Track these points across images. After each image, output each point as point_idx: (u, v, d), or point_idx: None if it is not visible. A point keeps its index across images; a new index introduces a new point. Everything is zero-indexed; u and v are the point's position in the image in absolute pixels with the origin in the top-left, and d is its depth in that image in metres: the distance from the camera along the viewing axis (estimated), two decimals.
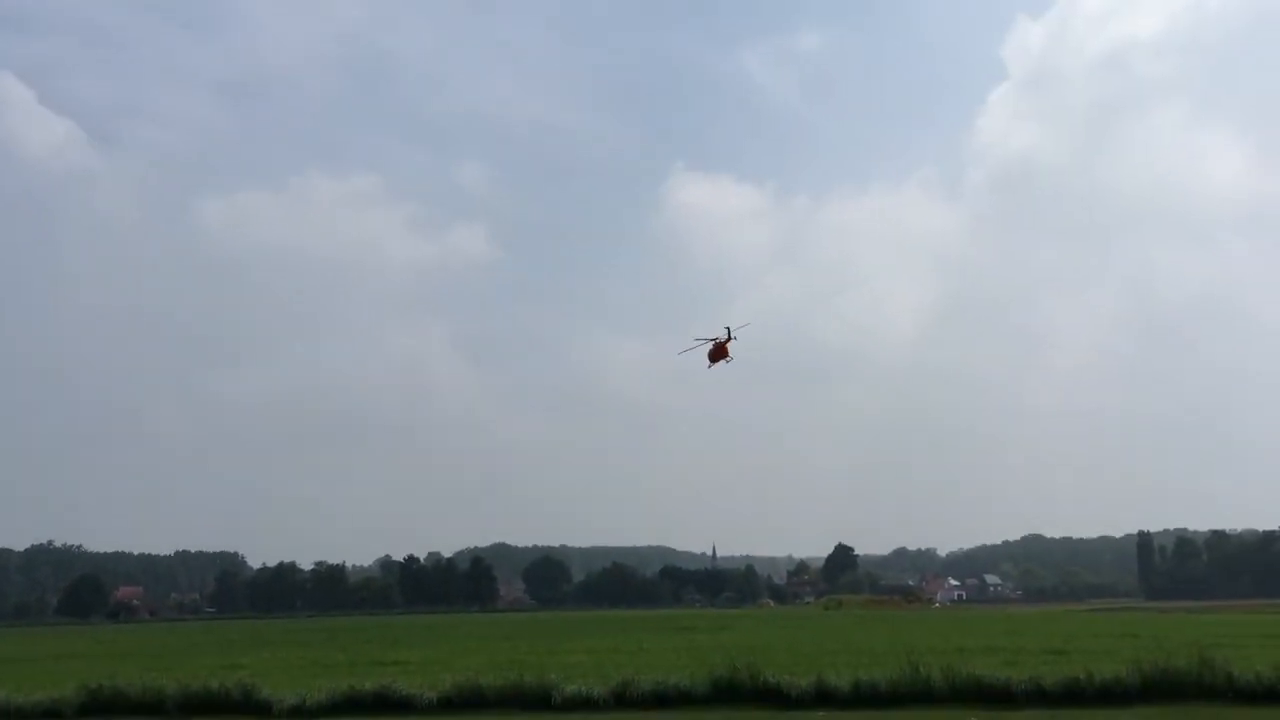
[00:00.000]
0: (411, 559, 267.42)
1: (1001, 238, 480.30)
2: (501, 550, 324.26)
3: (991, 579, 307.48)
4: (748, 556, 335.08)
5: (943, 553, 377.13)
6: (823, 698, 26.48)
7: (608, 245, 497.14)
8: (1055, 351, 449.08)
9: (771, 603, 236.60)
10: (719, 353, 36.92)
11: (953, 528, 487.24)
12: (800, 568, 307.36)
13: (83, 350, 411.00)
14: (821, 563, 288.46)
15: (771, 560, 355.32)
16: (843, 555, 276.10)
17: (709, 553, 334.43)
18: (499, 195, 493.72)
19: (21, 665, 50.78)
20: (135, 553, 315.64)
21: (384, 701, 28.00)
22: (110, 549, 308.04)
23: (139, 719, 28.08)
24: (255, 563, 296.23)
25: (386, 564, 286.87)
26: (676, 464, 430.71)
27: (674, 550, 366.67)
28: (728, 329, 36.29)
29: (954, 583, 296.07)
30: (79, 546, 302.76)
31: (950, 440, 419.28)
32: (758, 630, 70.29)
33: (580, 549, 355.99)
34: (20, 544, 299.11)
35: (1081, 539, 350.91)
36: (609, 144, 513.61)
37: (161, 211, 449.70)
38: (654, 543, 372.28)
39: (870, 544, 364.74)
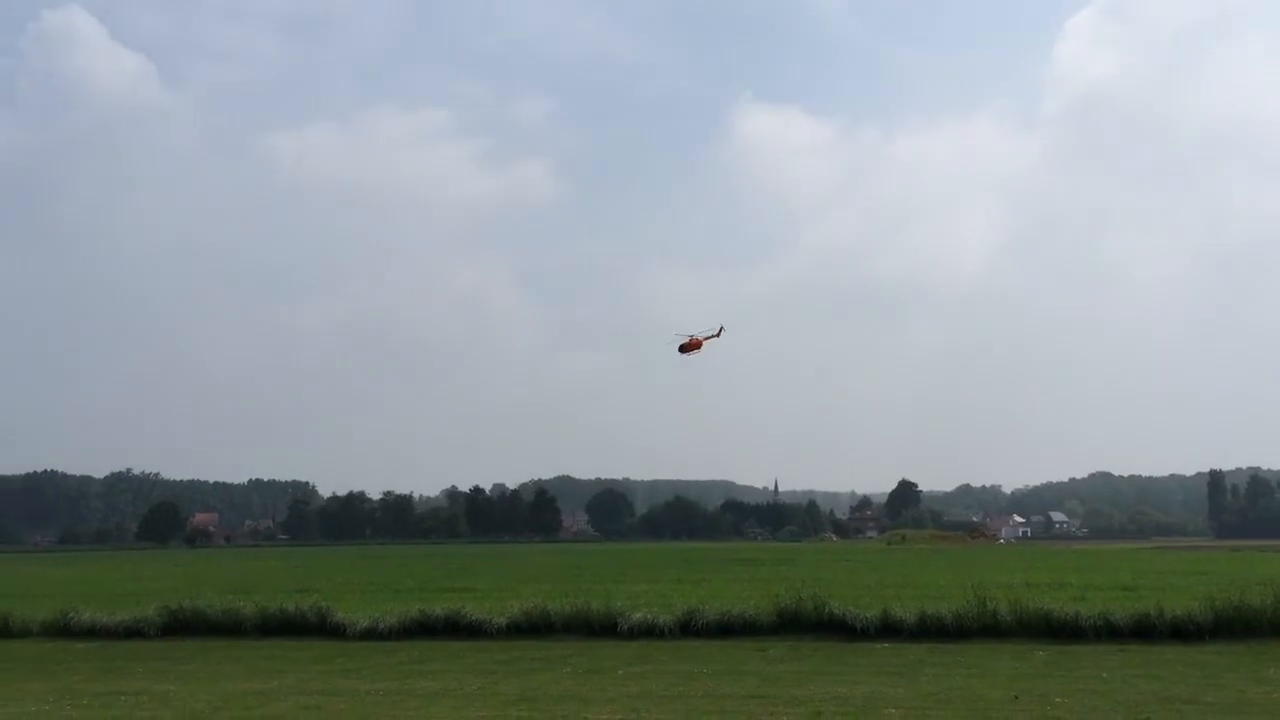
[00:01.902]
0: (477, 490, 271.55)
1: (1076, 169, 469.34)
2: (565, 482, 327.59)
3: (1058, 517, 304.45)
4: (809, 491, 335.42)
5: (1008, 490, 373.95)
6: (888, 629, 26.47)
7: (671, 178, 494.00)
8: (1128, 286, 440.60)
9: (834, 537, 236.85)
10: (691, 346, 39.91)
11: (1018, 465, 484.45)
12: (863, 503, 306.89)
13: (156, 284, 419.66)
14: (884, 498, 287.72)
15: (834, 495, 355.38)
16: (906, 491, 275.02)
17: (770, 487, 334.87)
18: (563, 129, 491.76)
19: (104, 587, 52.51)
20: (210, 481, 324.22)
21: (454, 626, 28.53)
22: (186, 477, 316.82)
23: (218, 639, 28.89)
24: (325, 492, 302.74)
25: (453, 494, 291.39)
26: (738, 398, 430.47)
27: (735, 484, 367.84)
28: (719, 329, 39.49)
29: (1019, 520, 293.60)
30: (157, 474, 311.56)
31: (1017, 376, 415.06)
32: (820, 563, 70.52)
33: (642, 482, 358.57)
34: (100, 472, 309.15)
35: (1151, 477, 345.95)
36: (674, 76, 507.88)
37: (229, 147, 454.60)
38: (716, 477, 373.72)
39: (934, 480, 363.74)
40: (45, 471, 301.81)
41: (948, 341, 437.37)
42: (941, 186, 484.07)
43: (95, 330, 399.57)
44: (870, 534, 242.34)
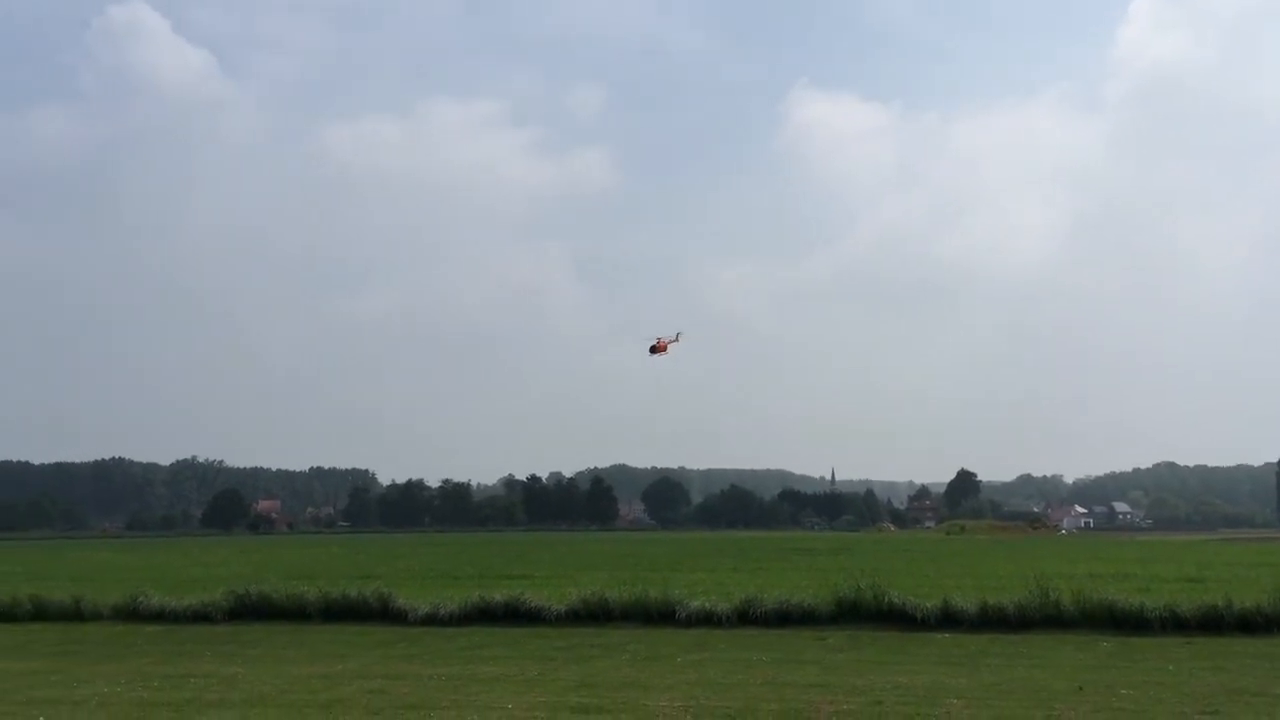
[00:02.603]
0: (534, 478, 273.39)
1: (1140, 154, 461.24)
2: (621, 471, 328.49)
3: (1121, 507, 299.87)
4: (866, 481, 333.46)
5: (1069, 480, 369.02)
6: (948, 619, 26.26)
7: (726, 166, 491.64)
8: (1193, 273, 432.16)
9: (891, 527, 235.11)
10: (659, 348, 42.59)
11: (1080, 454, 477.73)
12: (921, 493, 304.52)
13: (219, 275, 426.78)
14: (943, 488, 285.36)
15: (891, 485, 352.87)
16: (965, 481, 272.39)
17: (827, 477, 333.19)
18: (617, 118, 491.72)
19: (171, 572, 53.57)
20: (273, 469, 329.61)
21: (513, 612, 28.75)
22: (249, 465, 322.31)
23: (283, 623, 29.39)
24: (385, 480, 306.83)
25: (510, 483, 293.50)
26: (795, 387, 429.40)
27: (792, 474, 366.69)
28: (676, 335, 42.54)
29: (1081, 510, 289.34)
30: (220, 462, 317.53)
31: (1080, 364, 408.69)
32: (878, 553, 70.08)
33: (698, 471, 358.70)
34: (166, 459, 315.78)
35: (1217, 467, 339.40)
36: (728, 63, 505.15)
37: (288, 139, 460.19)
38: (772, 466, 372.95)
39: (993, 470, 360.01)
40: (113, 459, 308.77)
41: (1008, 329, 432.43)
42: (1001, 172, 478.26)
43: (160, 321, 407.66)
44: (928, 524, 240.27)
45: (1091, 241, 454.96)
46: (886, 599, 27.25)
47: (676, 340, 43.06)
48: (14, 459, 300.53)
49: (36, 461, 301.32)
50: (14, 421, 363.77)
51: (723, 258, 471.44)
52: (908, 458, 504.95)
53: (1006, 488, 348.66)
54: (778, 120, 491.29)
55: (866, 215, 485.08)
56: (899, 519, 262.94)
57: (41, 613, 31.94)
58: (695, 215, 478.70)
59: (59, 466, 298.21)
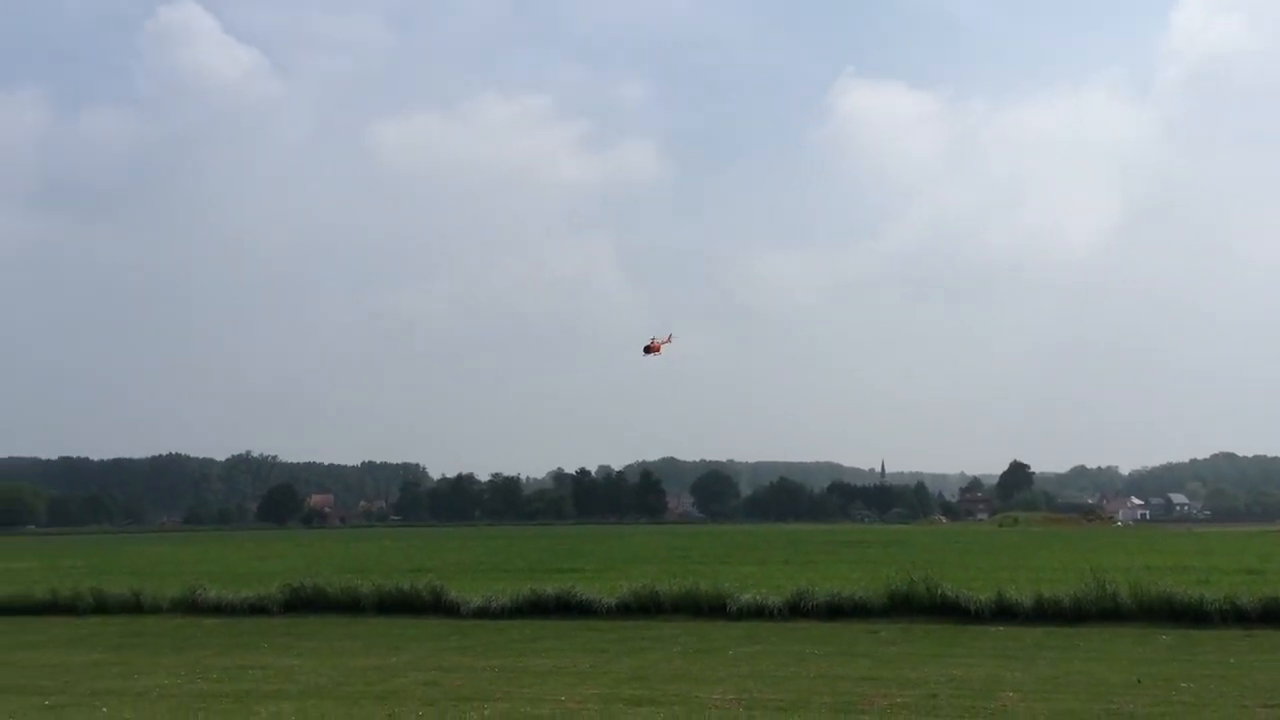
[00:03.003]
0: (583, 471, 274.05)
1: (1194, 141, 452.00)
2: (670, 464, 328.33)
3: (1178, 498, 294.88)
4: (917, 473, 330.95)
5: (1125, 471, 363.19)
6: (1002, 612, 26.00)
7: (773, 158, 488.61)
8: (1250, 261, 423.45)
9: (943, 519, 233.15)
10: (653, 349, 43.68)
11: (1136, 445, 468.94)
12: (973, 485, 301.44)
13: (270, 271, 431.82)
14: (995, 480, 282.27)
15: (942, 477, 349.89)
16: (1018, 472, 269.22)
17: (877, 469, 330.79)
18: (663, 111, 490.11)
19: (228, 566, 54.36)
20: (325, 463, 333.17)
21: (564, 605, 28.88)
22: (302, 460, 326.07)
23: (338, 616, 29.73)
24: (435, 473, 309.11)
25: (559, 476, 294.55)
26: (843, 379, 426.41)
27: (841, 466, 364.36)
28: (668, 336, 43.85)
29: (1137, 502, 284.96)
30: (274, 457, 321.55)
31: (1134, 354, 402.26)
32: (930, 545, 69.57)
33: (747, 464, 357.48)
34: (221, 455, 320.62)
35: (1277, 457, 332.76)
36: (773, 54, 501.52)
37: (339, 136, 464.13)
38: (821, 458, 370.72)
39: (1047, 461, 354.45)
40: (170, 455, 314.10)
41: (1061, 318, 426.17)
42: (1051, 160, 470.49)
43: (214, 319, 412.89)
44: (980, 516, 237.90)
45: (1144, 230, 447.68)
46: (939, 591, 27.02)
47: (669, 341, 44.11)
48: (74, 455, 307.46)
49: (96, 457, 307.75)
50: (75, 418, 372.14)
51: (769, 249, 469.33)
52: (959, 449, 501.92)
53: (1060, 479, 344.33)
54: (824, 110, 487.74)
55: (915, 205, 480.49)
56: (950, 511, 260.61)
57: (102, 606, 32.52)
58: (741, 207, 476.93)
59: (118, 462, 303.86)
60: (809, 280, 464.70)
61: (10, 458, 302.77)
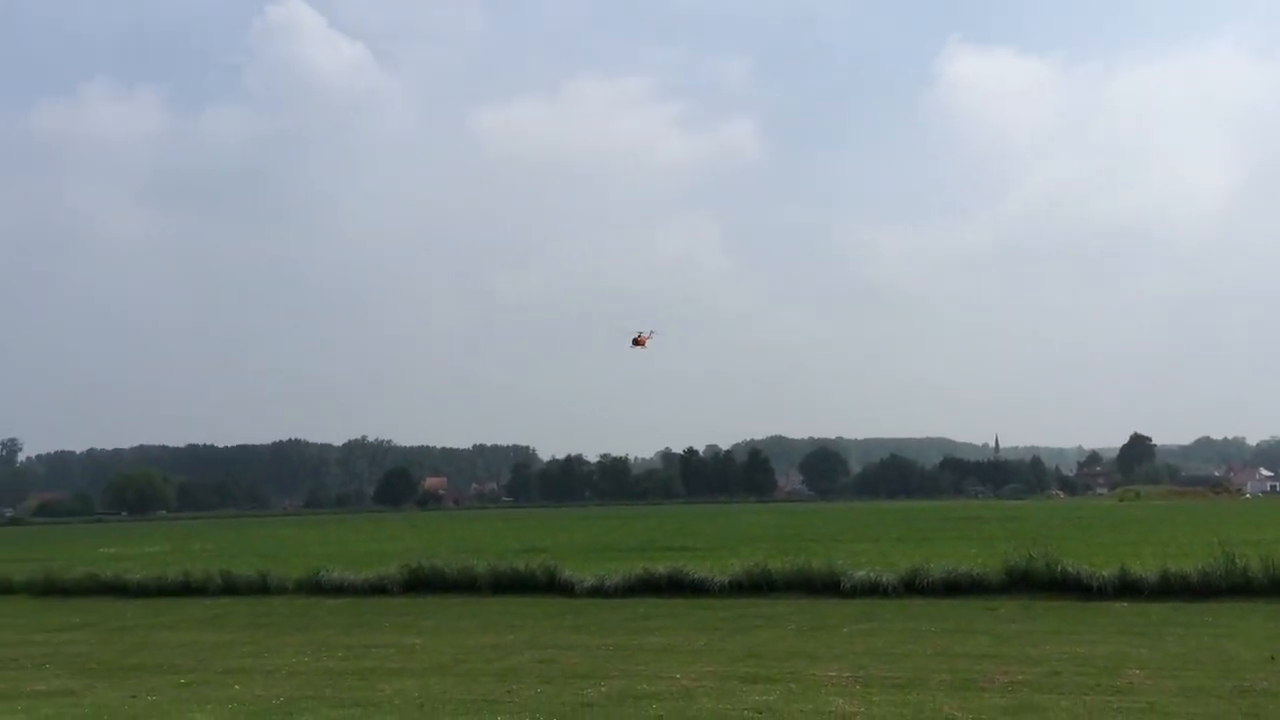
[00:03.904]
0: (691, 451, 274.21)
1: None
2: (778, 442, 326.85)
3: None
4: (1033, 448, 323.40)
5: (1252, 441, 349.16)
6: (1126, 588, 25.28)
7: (877, 131, 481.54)
8: None
9: (1061, 494, 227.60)
10: (639, 342, 44.25)
11: (1265, 414, 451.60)
12: (1091, 459, 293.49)
13: (381, 260, 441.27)
14: (1114, 454, 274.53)
15: (1059, 451, 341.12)
16: (1139, 445, 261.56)
17: (991, 444, 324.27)
18: (764, 87, 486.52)
19: (348, 547, 55.84)
20: (438, 447, 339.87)
21: (677, 584, 28.98)
22: (416, 443, 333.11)
23: (455, 595, 30.34)
24: (545, 455, 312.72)
25: (667, 456, 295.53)
26: (955, 353, 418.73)
27: (953, 441, 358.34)
28: (650, 332, 44.29)
29: (1266, 473, 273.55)
30: (389, 441, 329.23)
31: (1261, 321, 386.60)
32: (1048, 521, 68.03)
33: (856, 441, 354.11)
34: (338, 440, 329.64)
35: None
36: (876, 24, 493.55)
37: (441, 125, 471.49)
38: (932, 434, 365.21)
39: (1169, 433, 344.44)
40: (290, 440, 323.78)
41: (1183, 285, 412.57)
42: (1172, 124, 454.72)
43: (329, 308, 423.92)
44: (1100, 491, 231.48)
45: (1271, 192, 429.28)
46: (1059, 567, 26.42)
47: (651, 336, 44.60)
48: (200, 442, 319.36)
49: (221, 444, 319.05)
50: (201, 407, 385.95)
51: (876, 224, 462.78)
52: (1076, 423, 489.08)
53: (1184, 451, 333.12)
54: (929, 81, 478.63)
55: (1027, 175, 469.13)
56: (1068, 486, 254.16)
57: (231, 587, 33.68)
58: (846, 182, 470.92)
59: (242, 449, 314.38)
60: (918, 254, 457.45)
61: (141, 446, 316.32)
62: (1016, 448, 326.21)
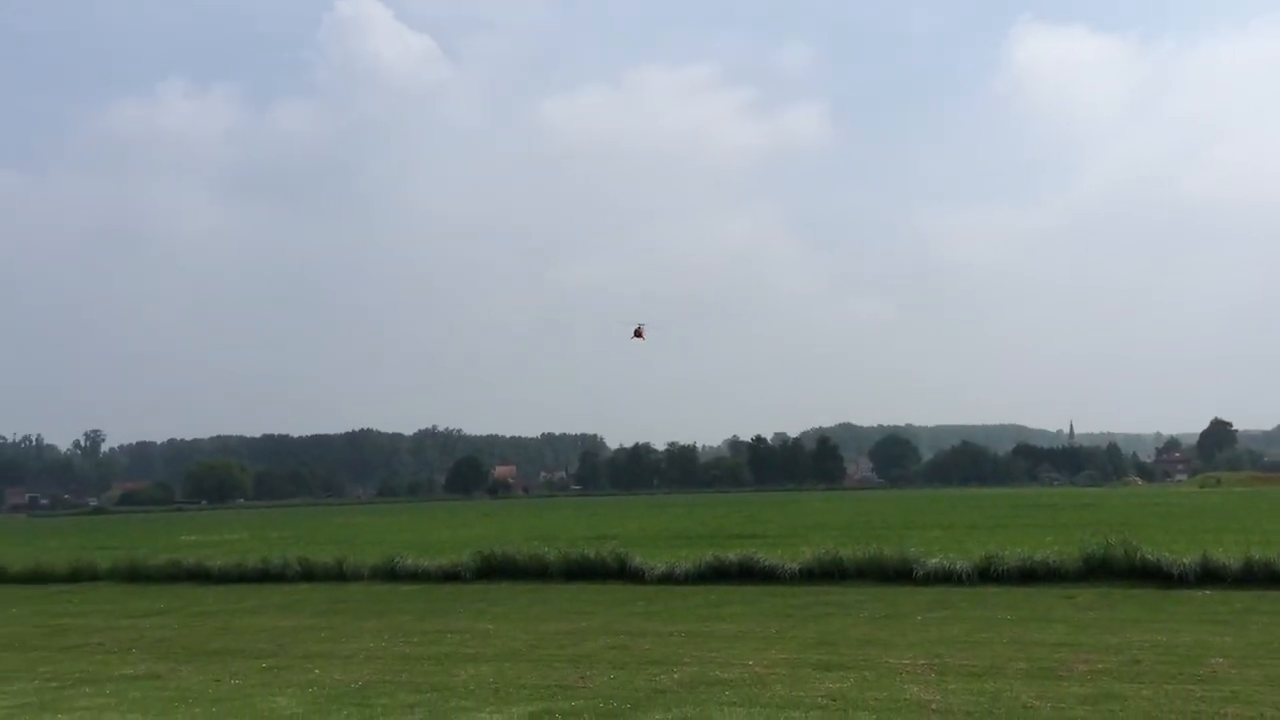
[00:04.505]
0: (759, 439, 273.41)
1: None
2: (846, 429, 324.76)
3: None
4: (1108, 434, 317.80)
5: None
6: (1208, 576, 24.74)
7: (944, 112, 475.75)
8: None
9: (1138, 481, 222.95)
10: (637, 334, 46.75)
11: None
12: (1170, 444, 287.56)
13: (450, 252, 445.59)
14: (1194, 439, 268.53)
15: (1136, 437, 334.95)
16: (1219, 430, 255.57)
17: (1065, 430, 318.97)
18: (829, 72, 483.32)
19: (421, 535, 56.55)
20: (507, 435, 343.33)
21: (748, 571, 28.94)
22: (485, 432, 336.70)
23: (527, 582, 30.61)
24: (613, 443, 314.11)
25: (734, 444, 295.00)
26: (1027, 338, 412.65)
27: (1026, 428, 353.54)
28: (641, 326, 46.68)
29: None
30: (459, 430, 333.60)
31: None
32: (1126, 508, 66.72)
33: (927, 428, 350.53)
34: (409, 429, 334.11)
35: None
36: (943, 5, 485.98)
37: (507, 116, 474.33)
38: (1004, 420, 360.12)
39: (1252, 418, 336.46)
40: (363, 430, 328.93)
41: (1263, 264, 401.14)
42: (1252, 98, 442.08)
43: (399, 300, 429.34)
44: (1179, 477, 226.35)
45: None
46: (1139, 555, 25.93)
47: (643, 328, 47.00)
48: (276, 432, 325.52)
49: (296, 434, 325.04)
50: (276, 398, 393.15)
51: (945, 206, 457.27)
52: (1154, 408, 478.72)
53: (1267, 436, 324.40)
54: (999, 61, 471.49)
55: (1102, 154, 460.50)
56: (1146, 473, 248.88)
57: (309, 574, 34.34)
58: (914, 164, 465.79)
59: (316, 438, 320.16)
60: (988, 237, 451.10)
61: (219, 436, 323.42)
62: (1092, 433, 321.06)
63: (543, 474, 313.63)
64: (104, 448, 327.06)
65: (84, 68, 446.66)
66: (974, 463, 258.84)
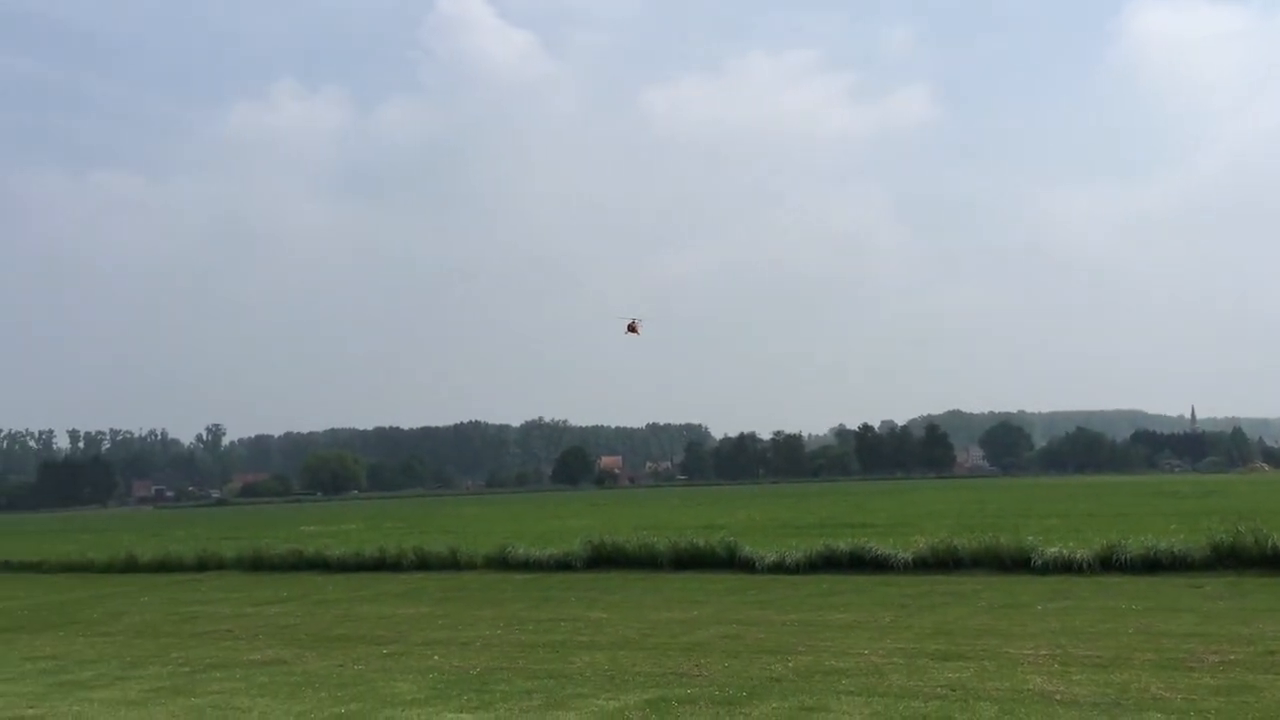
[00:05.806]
0: (866, 427, 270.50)
1: None
2: (956, 417, 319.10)
3: None
4: (1233, 418, 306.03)
5: None
6: None
7: (1054, 91, 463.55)
8: None
9: (1265, 467, 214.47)
10: (631, 328, 46.86)
11: None
12: None
13: (556, 245, 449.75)
14: None
15: (1263, 422, 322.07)
16: None
17: (1186, 415, 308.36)
18: (933, 53, 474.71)
19: (530, 525, 57.21)
20: (612, 426, 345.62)
21: (859, 561, 28.63)
22: (590, 423, 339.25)
23: (637, 571, 30.75)
24: (718, 433, 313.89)
25: (841, 432, 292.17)
26: (1144, 320, 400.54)
27: (1145, 413, 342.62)
28: (636, 320, 46.82)
29: None
30: (565, 421, 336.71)
31: None
32: (1254, 495, 64.25)
33: (1040, 414, 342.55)
34: (516, 421, 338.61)
35: None
36: None
37: (609, 108, 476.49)
38: (1122, 406, 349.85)
39: None
40: (470, 422, 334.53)
41: None
42: None
43: (505, 294, 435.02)
44: None
45: None
46: (1271, 543, 24.93)
47: (638, 322, 47.15)
48: (387, 425, 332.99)
49: (406, 427, 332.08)
50: (386, 392, 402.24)
51: (1056, 188, 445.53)
52: None
53: None
54: (1112, 36, 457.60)
55: (1223, 130, 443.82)
56: (1274, 458, 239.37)
57: (424, 563, 35.04)
58: (1023, 146, 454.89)
59: (425, 430, 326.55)
60: (1102, 217, 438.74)
61: (333, 429, 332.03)
62: (1215, 418, 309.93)
63: (648, 464, 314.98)
64: (224, 441, 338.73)
65: (197, 74, 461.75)
66: (1090, 450, 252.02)
